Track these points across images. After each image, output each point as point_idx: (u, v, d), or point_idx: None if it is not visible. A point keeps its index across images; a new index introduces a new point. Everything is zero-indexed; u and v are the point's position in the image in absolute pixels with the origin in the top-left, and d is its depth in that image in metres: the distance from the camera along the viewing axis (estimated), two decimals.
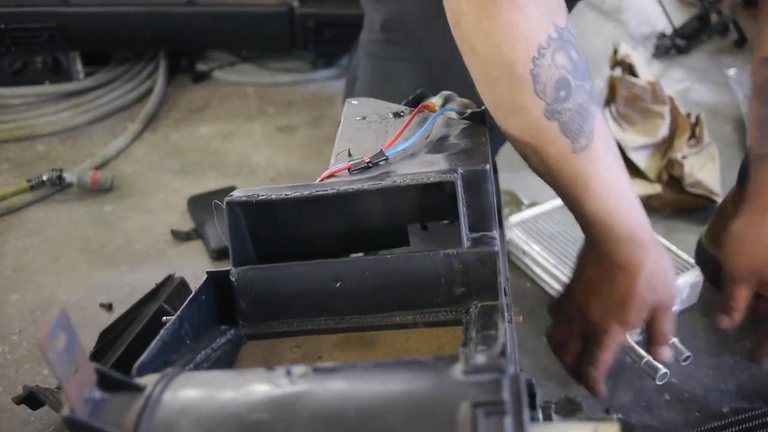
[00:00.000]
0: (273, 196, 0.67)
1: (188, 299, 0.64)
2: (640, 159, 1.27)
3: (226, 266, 0.67)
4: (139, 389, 0.47)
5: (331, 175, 0.71)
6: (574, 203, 0.75)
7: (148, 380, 0.48)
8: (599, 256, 0.78)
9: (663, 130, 1.30)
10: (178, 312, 0.62)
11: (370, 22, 1.17)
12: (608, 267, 0.77)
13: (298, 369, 0.46)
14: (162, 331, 0.59)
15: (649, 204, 1.23)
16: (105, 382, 0.46)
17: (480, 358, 0.45)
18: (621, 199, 0.75)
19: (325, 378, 0.46)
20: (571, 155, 0.71)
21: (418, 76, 1.10)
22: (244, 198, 0.68)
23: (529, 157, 0.74)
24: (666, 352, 0.83)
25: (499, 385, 0.42)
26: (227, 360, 0.65)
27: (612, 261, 0.77)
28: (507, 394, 0.42)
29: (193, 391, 0.46)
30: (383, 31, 1.14)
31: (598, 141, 0.71)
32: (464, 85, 1.06)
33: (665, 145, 1.30)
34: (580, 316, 0.81)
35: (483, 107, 0.80)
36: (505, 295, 0.66)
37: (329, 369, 0.47)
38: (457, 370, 0.44)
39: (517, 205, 1.29)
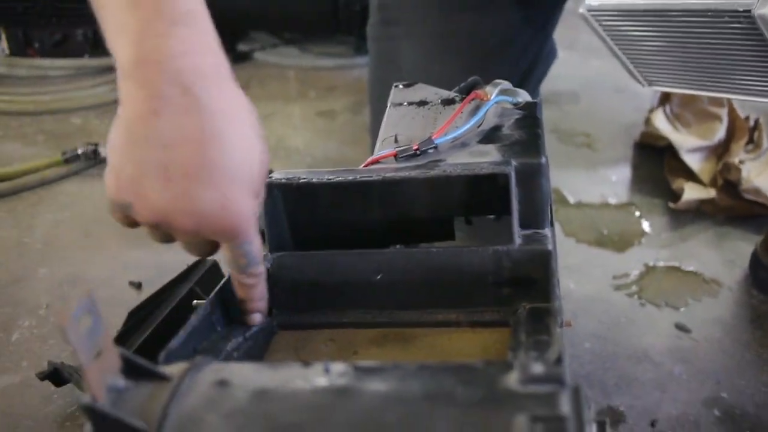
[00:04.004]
0: (315, 180, 0.64)
1: (221, 283, 0.61)
2: (694, 161, 1.22)
3: None
4: (166, 379, 0.43)
5: (376, 161, 0.68)
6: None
7: (175, 369, 0.44)
8: None
9: (720, 132, 1.24)
10: (210, 296, 0.59)
11: (371, 5, 1.15)
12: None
13: (336, 367, 0.43)
14: (192, 317, 0.56)
15: (702, 209, 1.18)
16: (130, 369, 0.43)
17: (537, 367, 0.41)
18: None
19: (365, 379, 0.42)
20: None
21: (417, 52, 1.07)
22: (284, 180, 0.64)
23: None
24: (255, 317, 0.59)
25: (560, 399, 0.38)
26: (258, 350, 0.61)
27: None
28: (568, 408, 0.38)
29: (223, 384, 0.43)
30: (380, 10, 1.12)
31: None
32: (462, 60, 1.03)
33: (721, 149, 1.24)
34: None
35: (538, 98, 0.76)
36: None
37: (370, 369, 0.43)
38: (512, 379, 0.40)
39: (562, 203, 1.24)
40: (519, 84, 1.09)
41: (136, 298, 1.04)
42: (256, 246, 0.56)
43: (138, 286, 1.07)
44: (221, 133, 0.50)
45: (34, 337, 0.98)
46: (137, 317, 0.94)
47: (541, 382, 0.40)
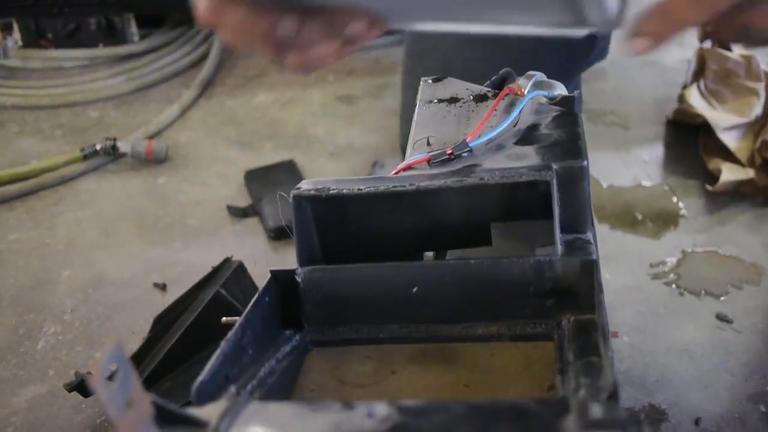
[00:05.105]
0: (345, 191, 0.61)
1: (250, 304, 0.59)
2: (731, 140, 1.18)
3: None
4: (202, 425, 0.41)
5: (409, 167, 0.64)
6: None
7: (210, 412, 0.42)
8: None
9: (757, 108, 1.20)
10: (240, 320, 0.57)
11: None
12: None
13: (380, 409, 0.40)
14: (223, 343, 0.54)
15: (740, 190, 1.14)
16: (163, 417, 0.41)
17: (596, 410, 0.38)
18: None
19: (411, 422, 0.40)
20: None
21: (452, 43, 0.97)
22: (312, 192, 0.62)
23: None
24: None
25: None
26: (292, 372, 0.59)
27: None
28: None
29: (262, 430, 0.41)
30: None
31: None
32: (504, 53, 0.92)
33: (759, 126, 1.20)
34: None
35: (576, 92, 0.72)
36: None
37: (417, 411, 0.41)
38: (570, 424, 0.38)
39: (595, 187, 1.20)
40: (565, 76, 1.02)
41: (161, 300, 1.02)
42: None
43: (163, 287, 1.05)
44: None
45: (60, 344, 0.97)
46: (164, 322, 0.93)
47: (602, 428, 0.37)
